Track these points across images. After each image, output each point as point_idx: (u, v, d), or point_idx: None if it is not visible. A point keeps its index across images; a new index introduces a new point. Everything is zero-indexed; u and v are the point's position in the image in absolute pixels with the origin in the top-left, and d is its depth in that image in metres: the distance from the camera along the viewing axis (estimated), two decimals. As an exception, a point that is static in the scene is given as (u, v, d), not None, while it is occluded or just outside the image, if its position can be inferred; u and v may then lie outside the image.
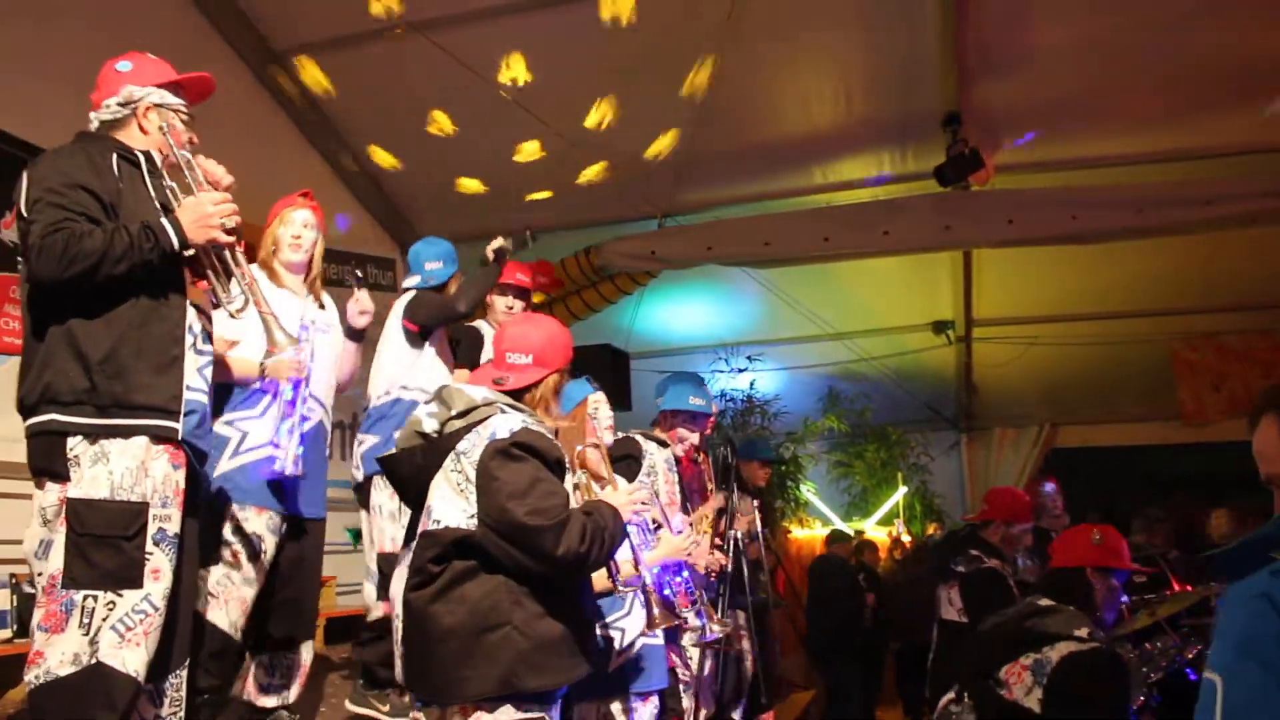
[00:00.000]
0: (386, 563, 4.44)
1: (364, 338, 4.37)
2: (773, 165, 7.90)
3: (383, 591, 4.48)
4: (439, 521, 2.82)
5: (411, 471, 2.95)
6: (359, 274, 4.59)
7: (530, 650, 2.73)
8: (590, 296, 8.56)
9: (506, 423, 2.86)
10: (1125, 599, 5.10)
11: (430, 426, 2.93)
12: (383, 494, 4.50)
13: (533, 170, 7.67)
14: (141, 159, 3.03)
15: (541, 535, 2.71)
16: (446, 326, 4.78)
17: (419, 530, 2.90)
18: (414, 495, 2.98)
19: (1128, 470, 11.87)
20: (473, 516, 2.78)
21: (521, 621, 2.75)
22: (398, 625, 2.90)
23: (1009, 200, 7.40)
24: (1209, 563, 6.38)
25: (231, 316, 3.00)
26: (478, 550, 2.76)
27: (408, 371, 4.65)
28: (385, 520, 4.50)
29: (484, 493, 2.77)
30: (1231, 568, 1.73)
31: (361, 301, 4.24)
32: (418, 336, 4.66)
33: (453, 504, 2.82)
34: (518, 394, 3.03)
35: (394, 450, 3.03)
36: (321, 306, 4.18)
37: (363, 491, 4.65)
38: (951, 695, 3.43)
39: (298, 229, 4.08)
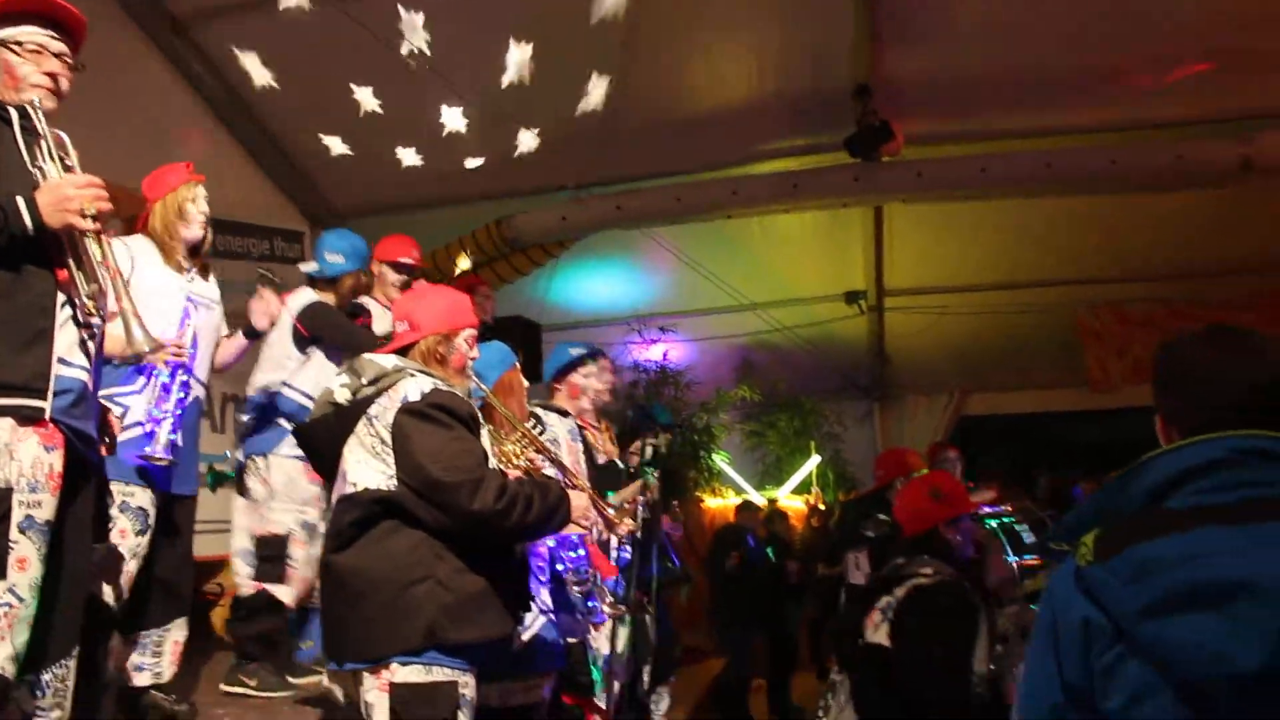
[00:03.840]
0: (266, 546, 4.45)
1: (259, 338, 4.28)
2: (687, 138, 7.86)
3: (267, 573, 4.47)
4: (355, 485, 2.83)
5: (325, 440, 2.96)
6: (272, 276, 4.45)
7: (454, 603, 2.75)
8: (502, 268, 8.47)
9: (417, 385, 2.89)
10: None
11: (343, 396, 2.93)
12: (256, 478, 4.50)
13: (447, 142, 7.52)
14: (13, 114, 2.78)
15: (457, 491, 2.73)
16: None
17: (334, 496, 2.91)
18: (328, 464, 2.98)
19: (1036, 436, 12.16)
20: (391, 477, 2.80)
21: (444, 575, 2.77)
22: (319, 590, 2.92)
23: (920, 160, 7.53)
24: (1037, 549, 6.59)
25: (90, 312, 2.79)
26: (398, 509, 2.78)
27: (294, 373, 4.59)
28: (262, 503, 4.49)
29: (400, 453, 2.80)
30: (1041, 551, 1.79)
31: (269, 303, 4.12)
32: (306, 341, 4.59)
33: (369, 467, 2.83)
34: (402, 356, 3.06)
35: (306, 420, 3.04)
36: (206, 279, 4.05)
37: (239, 474, 4.64)
38: (835, 661, 3.47)
39: (204, 204, 3.96)
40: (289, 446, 4.32)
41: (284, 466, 4.50)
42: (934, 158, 7.62)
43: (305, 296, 4.66)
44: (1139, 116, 7.49)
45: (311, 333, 4.57)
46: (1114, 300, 9.93)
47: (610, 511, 4.13)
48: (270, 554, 4.48)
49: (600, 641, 4.67)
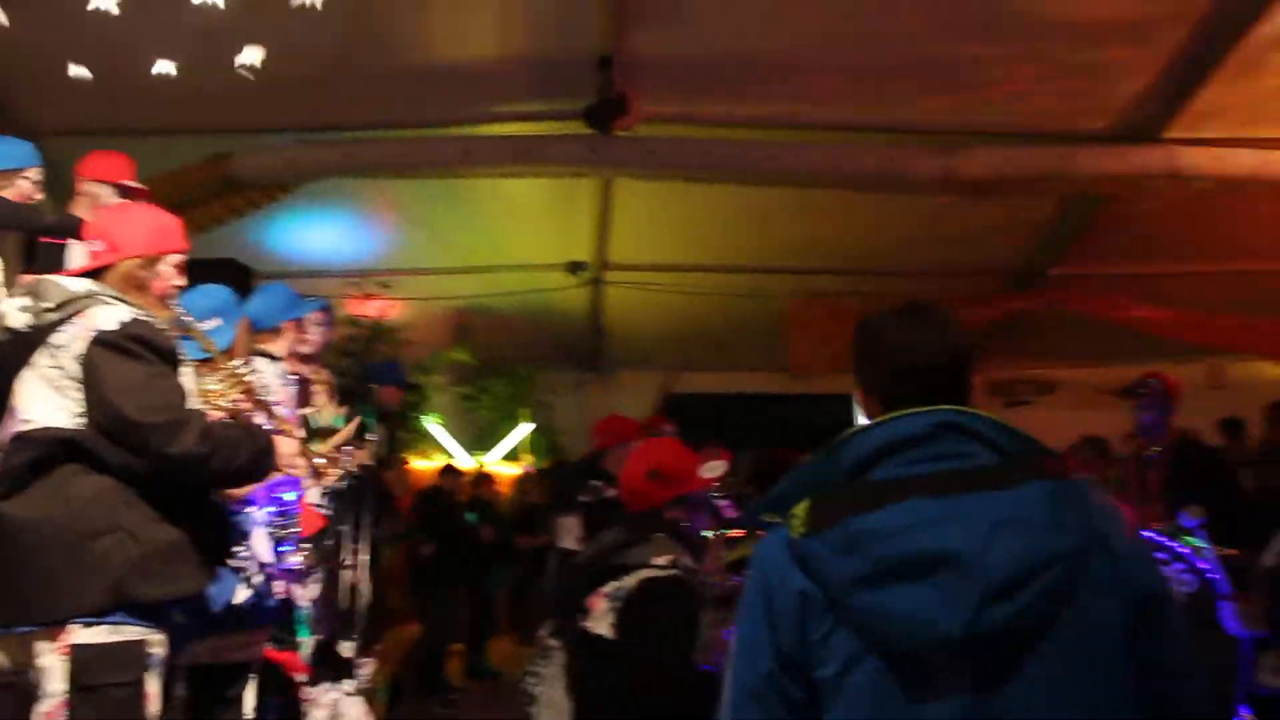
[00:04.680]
0: None
1: None
2: (422, 91, 7.65)
3: None
4: (31, 422, 2.54)
5: None
6: None
7: (143, 557, 2.53)
8: (216, 209, 7.98)
9: (113, 314, 2.63)
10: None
11: (20, 321, 2.62)
12: None
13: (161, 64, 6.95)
14: None
15: (155, 432, 2.53)
16: None
17: (5, 434, 2.60)
18: None
19: (740, 416, 12.67)
20: (77, 415, 2.54)
21: (134, 525, 2.55)
22: None
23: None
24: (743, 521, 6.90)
25: None
26: (82, 451, 2.53)
27: None
28: None
29: (90, 388, 2.54)
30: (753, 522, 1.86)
31: None
32: None
33: (49, 402, 2.56)
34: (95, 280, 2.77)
35: None
36: None
37: None
38: (548, 627, 3.46)
39: None
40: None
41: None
42: (666, 136, 7.75)
43: None
44: (858, 120, 7.88)
45: None
46: (822, 291, 10.47)
47: (319, 460, 4.00)
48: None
49: (304, 597, 4.54)
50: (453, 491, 9.02)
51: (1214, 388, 10.21)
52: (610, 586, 3.14)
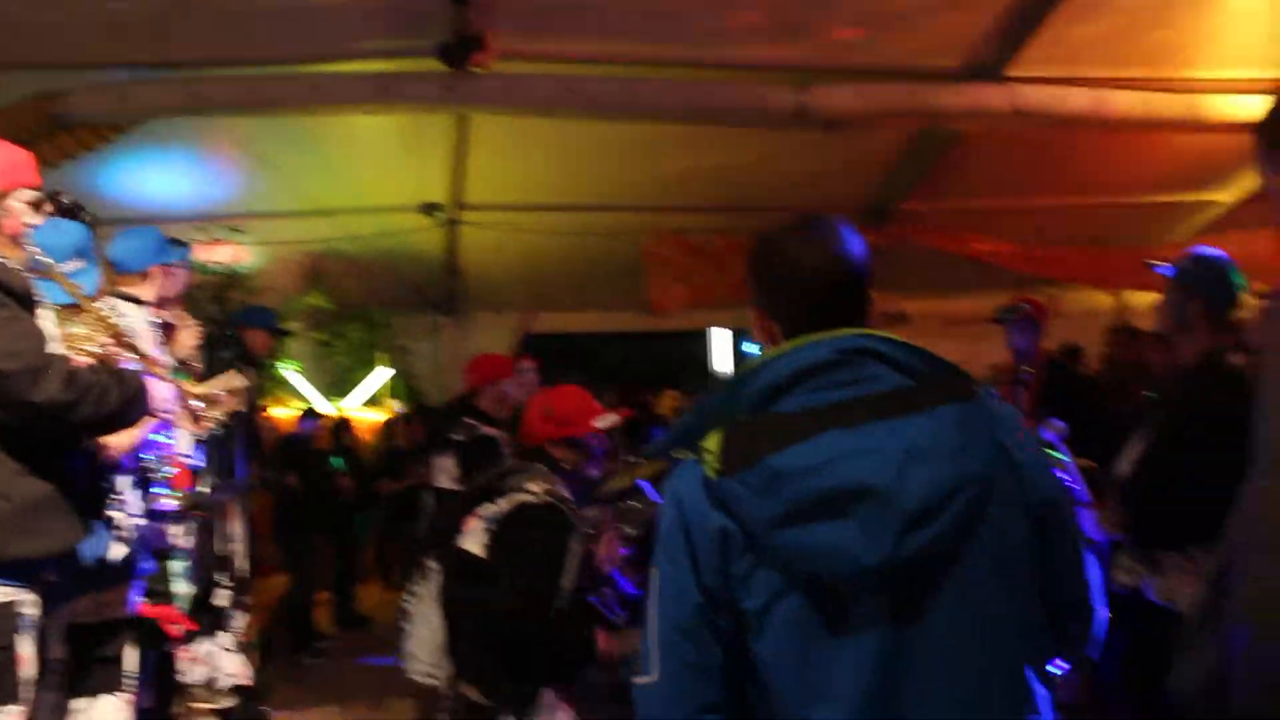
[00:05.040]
0: None
1: None
2: (269, 25, 7.34)
3: None
4: None
5: None
6: None
7: (10, 513, 2.46)
8: (45, 150, 7.51)
9: None
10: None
11: None
12: None
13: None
14: None
15: (14, 380, 2.43)
16: None
17: None
18: None
19: (598, 355, 12.79)
20: None
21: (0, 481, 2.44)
22: None
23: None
24: (647, 455, 7.09)
25: None
26: None
27: None
28: None
29: None
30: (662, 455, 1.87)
31: None
32: None
33: None
34: None
35: None
36: None
37: None
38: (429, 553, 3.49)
39: None
40: None
41: None
42: (522, 74, 7.65)
43: None
44: (713, 56, 7.91)
45: None
46: (679, 229, 10.57)
47: (196, 404, 3.89)
48: None
49: (179, 548, 4.44)
50: (314, 438, 8.84)
51: (1052, 316, 10.77)
52: (485, 509, 3.22)
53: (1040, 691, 1.63)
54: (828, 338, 1.65)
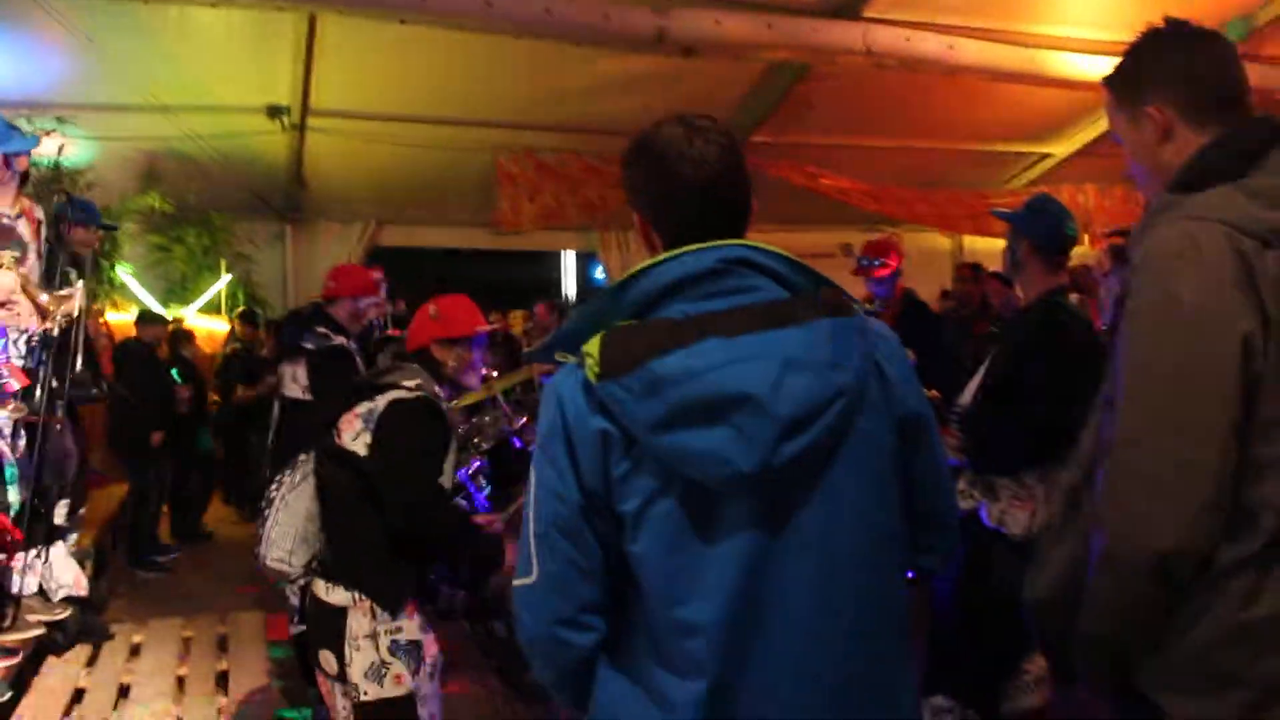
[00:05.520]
0: None
1: None
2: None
3: None
4: None
5: None
6: None
7: None
8: None
9: None
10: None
11: None
12: None
13: None
14: None
15: None
16: None
17: None
18: None
19: (445, 271, 12.60)
20: None
21: None
22: None
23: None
24: (526, 358, 7.16)
25: None
26: None
27: None
28: None
29: None
30: (543, 358, 1.91)
31: None
32: None
33: None
34: None
35: None
36: None
37: None
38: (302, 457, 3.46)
39: None
40: None
41: None
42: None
43: None
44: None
45: None
46: (531, 147, 10.49)
47: (43, 299, 3.74)
48: None
49: (11, 454, 4.29)
50: (153, 344, 8.49)
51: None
52: (362, 407, 3.22)
53: (902, 594, 1.75)
54: (710, 246, 1.68)
